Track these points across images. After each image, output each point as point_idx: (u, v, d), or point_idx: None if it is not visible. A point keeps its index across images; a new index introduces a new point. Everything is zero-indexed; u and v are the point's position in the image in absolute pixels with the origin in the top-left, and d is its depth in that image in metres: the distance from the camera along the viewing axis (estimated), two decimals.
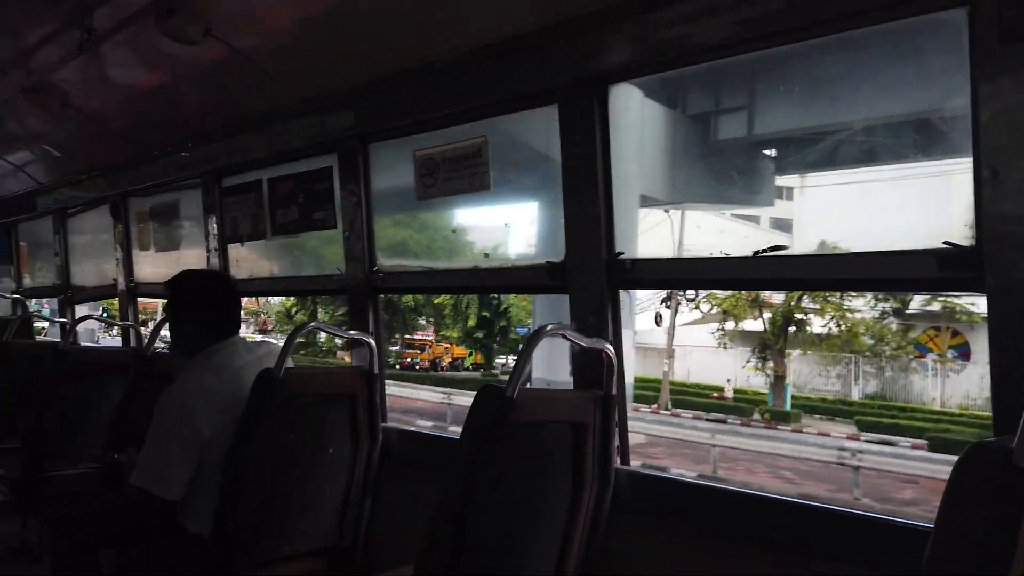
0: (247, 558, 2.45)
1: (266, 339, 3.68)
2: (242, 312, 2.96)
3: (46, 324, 6.88)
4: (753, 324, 21.07)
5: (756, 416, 19.75)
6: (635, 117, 2.43)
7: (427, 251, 3.06)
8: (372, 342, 2.86)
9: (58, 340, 4.30)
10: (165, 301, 2.80)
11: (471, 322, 29.80)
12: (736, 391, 21.35)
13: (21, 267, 6.29)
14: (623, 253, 2.26)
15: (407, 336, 31.81)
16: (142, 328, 4.61)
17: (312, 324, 2.70)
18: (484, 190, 2.62)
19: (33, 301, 6.19)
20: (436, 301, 30.99)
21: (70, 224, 5.42)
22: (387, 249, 3.09)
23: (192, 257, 4.14)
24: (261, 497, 2.46)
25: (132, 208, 4.60)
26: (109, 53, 3.36)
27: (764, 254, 1.98)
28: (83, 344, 4.19)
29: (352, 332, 2.89)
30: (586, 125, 2.27)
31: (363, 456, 2.80)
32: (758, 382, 21.65)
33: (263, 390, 2.40)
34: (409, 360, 30.44)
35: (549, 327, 1.93)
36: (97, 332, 4.51)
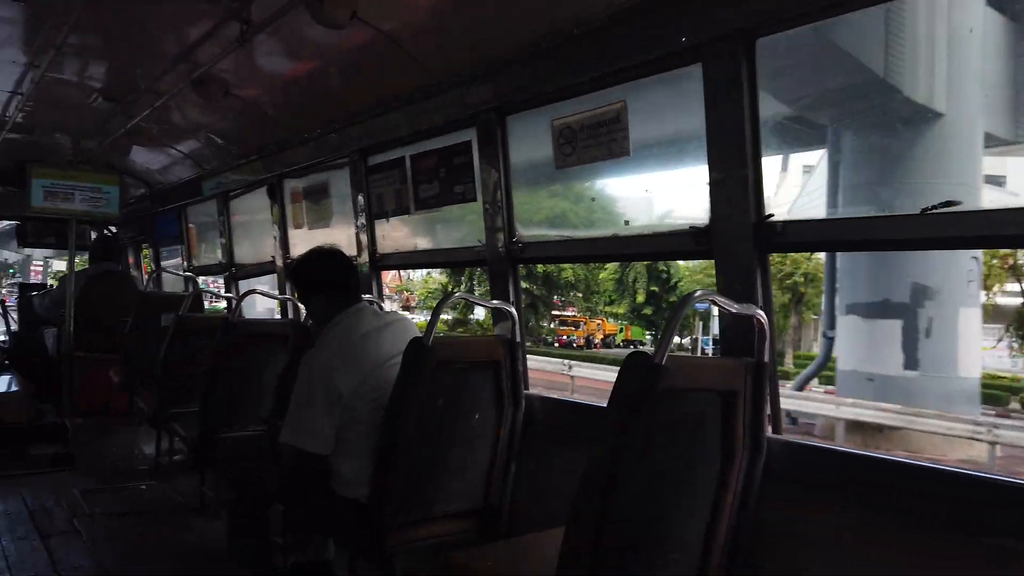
0: (399, 518, 2.59)
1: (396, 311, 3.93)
2: (385, 290, 3.10)
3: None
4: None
5: (1015, 405, 16.88)
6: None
7: (566, 220, 3.06)
8: (513, 311, 2.91)
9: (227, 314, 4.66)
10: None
11: (640, 298, 29.13)
12: (986, 375, 16.94)
13: (191, 247, 6.88)
14: (773, 215, 2.16)
15: (558, 313, 31.70)
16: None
17: (457, 294, 2.78)
18: (623, 156, 2.58)
19: (200, 279, 6.74)
20: (600, 276, 30.68)
21: (232, 206, 5.86)
22: (526, 219, 3.12)
23: (341, 233, 4.36)
24: (413, 460, 2.58)
25: (287, 189, 4.90)
26: (264, 43, 3.58)
27: (934, 211, 1.83)
28: (248, 317, 4.53)
29: (494, 302, 2.95)
30: (732, 83, 2.18)
31: (507, 422, 2.87)
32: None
33: (413, 358, 2.51)
34: (566, 337, 30.30)
35: (698, 292, 1.88)
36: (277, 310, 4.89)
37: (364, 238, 4.02)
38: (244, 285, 6.10)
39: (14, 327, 7.72)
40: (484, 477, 2.86)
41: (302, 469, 2.60)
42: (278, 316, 5.09)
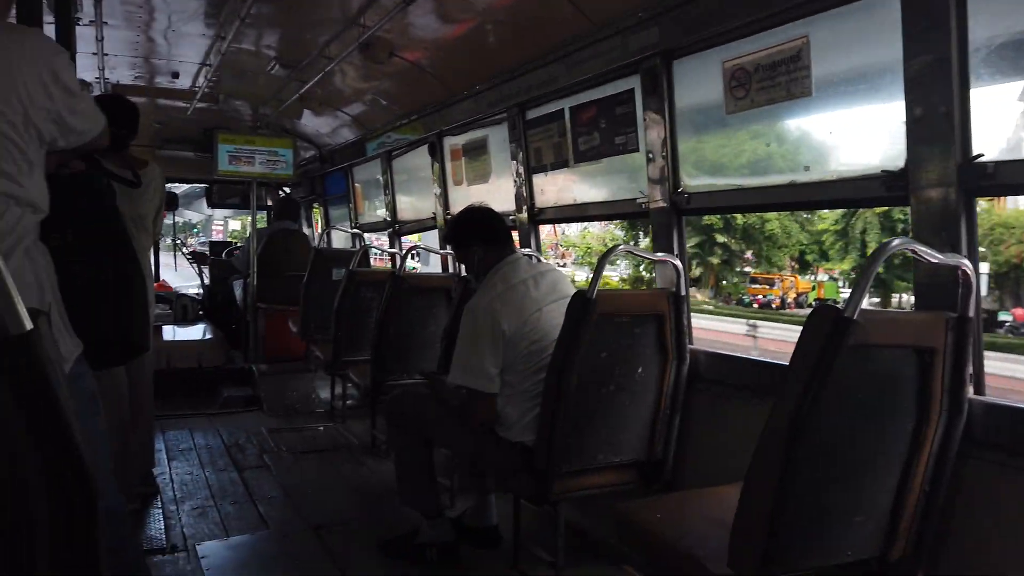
0: (564, 467, 2.63)
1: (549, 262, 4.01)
2: (542, 244, 3.14)
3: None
4: None
5: None
6: None
7: (735, 168, 2.91)
8: (678, 263, 2.84)
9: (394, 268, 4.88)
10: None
11: (870, 251, 26.92)
12: None
13: (357, 205, 7.25)
14: (982, 155, 1.94)
15: (752, 271, 30.42)
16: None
17: (621, 247, 2.74)
18: (804, 96, 2.41)
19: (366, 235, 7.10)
20: (819, 227, 28.89)
21: (395, 164, 6.09)
22: (691, 169, 3.01)
23: (499, 189, 4.42)
24: (577, 411, 2.60)
25: (447, 146, 5.02)
26: (427, 3, 3.65)
27: None
28: (412, 271, 4.72)
29: (658, 255, 2.89)
30: (937, 10, 1.95)
31: (671, 376, 2.82)
32: None
33: (578, 310, 2.51)
34: (762, 297, 29.03)
35: (896, 242, 1.73)
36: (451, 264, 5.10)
37: (523, 192, 4.05)
38: (407, 241, 6.37)
39: (207, 281, 8.53)
40: (648, 430, 2.84)
41: (470, 404, 2.73)
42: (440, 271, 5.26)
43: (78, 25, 3.84)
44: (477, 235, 2.94)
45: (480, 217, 3.00)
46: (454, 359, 2.79)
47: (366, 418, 5.11)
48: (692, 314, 3.02)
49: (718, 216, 25.17)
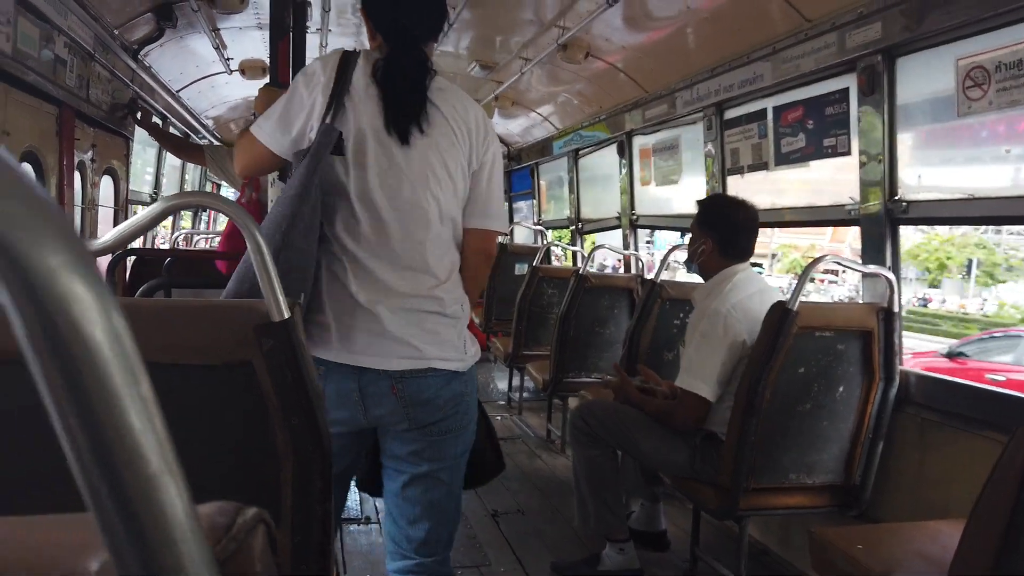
0: (752, 482, 2.53)
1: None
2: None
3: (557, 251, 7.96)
4: None
5: None
6: None
7: (961, 174, 2.65)
8: (891, 276, 2.63)
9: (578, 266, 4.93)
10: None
11: None
12: None
13: (541, 202, 7.39)
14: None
15: None
16: (649, 255, 5.02)
17: (828, 256, 2.59)
18: None
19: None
20: None
21: (580, 163, 6.14)
22: (907, 174, 2.78)
23: (690, 190, 4.33)
24: (770, 426, 2.50)
25: (636, 145, 4.99)
26: (630, 2, 3.65)
27: None
28: (594, 271, 4.74)
29: (869, 267, 2.69)
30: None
31: (876, 397, 2.63)
32: None
33: (777, 321, 2.41)
34: None
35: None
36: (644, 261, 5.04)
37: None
38: (587, 239, 6.41)
39: None
40: (845, 453, 2.67)
41: (680, 413, 2.66)
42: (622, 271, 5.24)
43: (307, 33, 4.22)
44: (719, 230, 2.74)
45: (734, 217, 2.76)
46: (684, 361, 2.68)
47: (542, 412, 5.22)
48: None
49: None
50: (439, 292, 1.72)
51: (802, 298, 2.41)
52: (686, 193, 4.40)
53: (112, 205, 4.43)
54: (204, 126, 6.89)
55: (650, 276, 4.03)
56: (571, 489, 3.10)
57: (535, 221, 7.32)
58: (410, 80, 1.70)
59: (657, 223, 5.11)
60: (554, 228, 6.99)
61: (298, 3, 2.88)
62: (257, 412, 1.37)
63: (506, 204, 8.71)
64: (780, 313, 2.41)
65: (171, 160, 6.29)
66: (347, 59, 1.69)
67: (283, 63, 2.32)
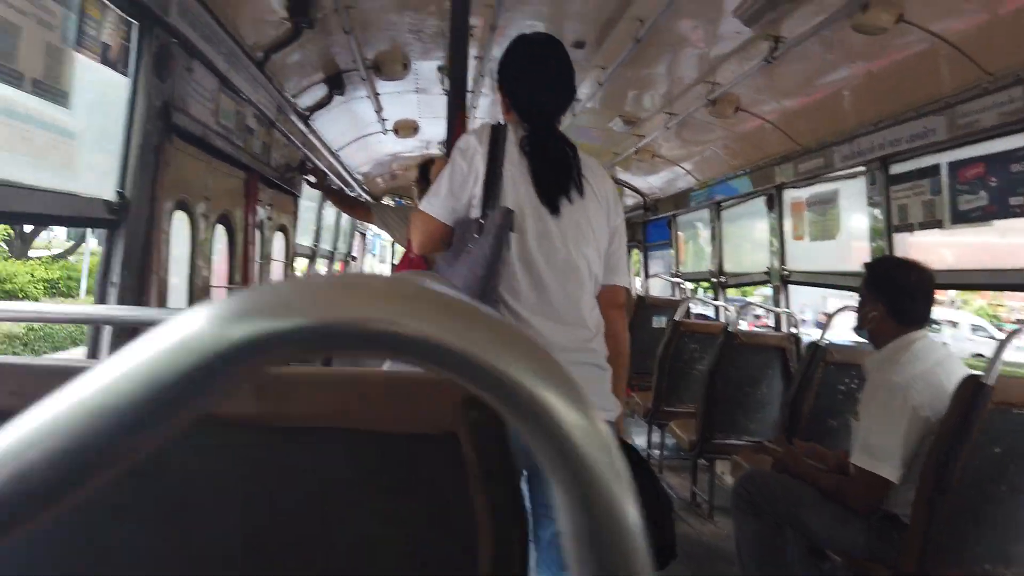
0: (939, 570, 2.33)
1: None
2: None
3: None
4: None
5: None
6: None
7: None
8: None
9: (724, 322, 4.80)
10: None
11: None
12: None
13: (679, 254, 7.29)
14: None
15: None
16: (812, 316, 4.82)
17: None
18: None
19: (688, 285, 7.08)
20: None
21: (723, 215, 6.03)
22: None
23: (849, 247, 4.14)
24: (960, 509, 2.30)
25: (786, 199, 4.84)
26: (787, 57, 3.58)
27: None
28: (743, 327, 4.60)
29: None
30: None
31: None
32: None
33: (970, 397, 2.24)
34: None
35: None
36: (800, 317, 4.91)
37: (884, 252, 3.74)
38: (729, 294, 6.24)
39: None
40: None
41: (858, 493, 2.50)
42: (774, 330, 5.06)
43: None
44: (891, 295, 2.58)
45: (907, 280, 2.59)
46: (861, 438, 2.50)
47: (683, 472, 5.05)
48: None
49: None
50: (594, 344, 1.86)
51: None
52: (847, 250, 4.21)
53: (283, 258, 4.76)
54: (356, 181, 7.32)
55: (808, 336, 3.86)
56: (722, 558, 2.97)
57: (672, 272, 7.22)
58: (556, 157, 1.89)
59: (812, 280, 4.91)
60: (692, 280, 6.86)
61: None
62: (458, 482, 1.42)
63: (640, 255, 8.66)
64: (973, 388, 2.24)
65: (326, 215, 6.71)
66: (497, 133, 1.88)
67: (459, 136, 2.48)
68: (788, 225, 4.85)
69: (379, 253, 18.13)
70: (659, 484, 1.91)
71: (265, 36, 3.31)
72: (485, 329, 0.31)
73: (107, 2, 2.14)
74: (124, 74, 2.34)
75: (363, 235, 9.16)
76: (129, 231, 2.40)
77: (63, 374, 1.13)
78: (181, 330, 0.28)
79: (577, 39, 3.78)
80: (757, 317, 14.06)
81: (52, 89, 1.95)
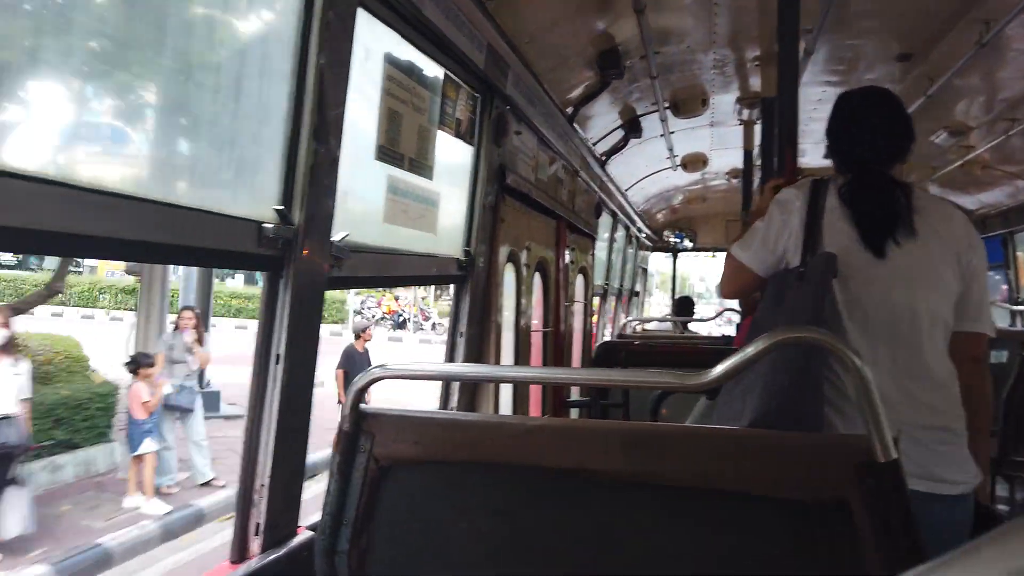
0: None
1: None
2: None
3: None
4: None
5: None
6: None
7: None
8: None
9: None
10: None
11: None
12: None
13: (1019, 277, 6.27)
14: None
15: None
16: None
17: None
18: None
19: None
20: None
21: None
22: None
23: None
24: None
25: None
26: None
27: None
28: None
29: None
30: None
31: None
32: None
33: None
34: None
35: None
36: None
37: None
38: None
39: None
40: None
41: None
42: None
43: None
44: None
45: None
46: None
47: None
48: None
49: None
50: (937, 400, 1.73)
51: None
52: None
53: (582, 299, 4.93)
54: (639, 215, 7.39)
55: None
56: None
57: (1013, 299, 6.23)
58: (877, 201, 1.79)
59: None
60: None
61: None
62: (851, 557, 1.30)
63: None
64: None
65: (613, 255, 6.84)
66: (817, 187, 1.85)
67: (790, 166, 2.38)
68: None
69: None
70: None
71: (575, 91, 3.48)
72: None
73: (460, 81, 2.39)
74: (470, 143, 2.59)
75: (644, 270, 9.19)
76: (474, 284, 2.63)
77: (455, 427, 1.22)
78: None
79: (903, 52, 3.46)
80: None
81: (422, 165, 2.21)
